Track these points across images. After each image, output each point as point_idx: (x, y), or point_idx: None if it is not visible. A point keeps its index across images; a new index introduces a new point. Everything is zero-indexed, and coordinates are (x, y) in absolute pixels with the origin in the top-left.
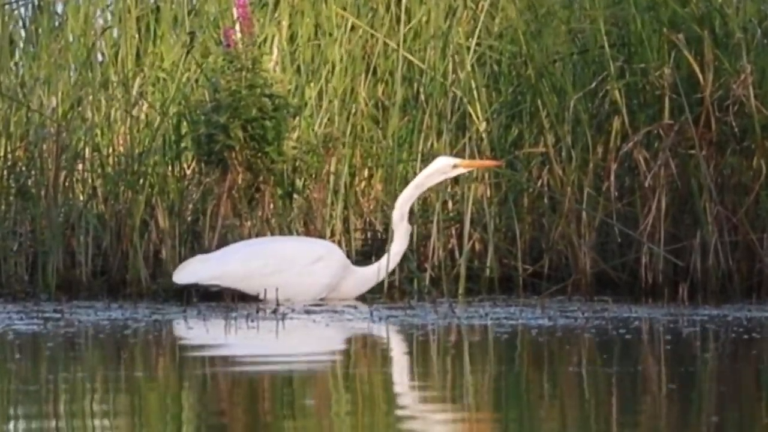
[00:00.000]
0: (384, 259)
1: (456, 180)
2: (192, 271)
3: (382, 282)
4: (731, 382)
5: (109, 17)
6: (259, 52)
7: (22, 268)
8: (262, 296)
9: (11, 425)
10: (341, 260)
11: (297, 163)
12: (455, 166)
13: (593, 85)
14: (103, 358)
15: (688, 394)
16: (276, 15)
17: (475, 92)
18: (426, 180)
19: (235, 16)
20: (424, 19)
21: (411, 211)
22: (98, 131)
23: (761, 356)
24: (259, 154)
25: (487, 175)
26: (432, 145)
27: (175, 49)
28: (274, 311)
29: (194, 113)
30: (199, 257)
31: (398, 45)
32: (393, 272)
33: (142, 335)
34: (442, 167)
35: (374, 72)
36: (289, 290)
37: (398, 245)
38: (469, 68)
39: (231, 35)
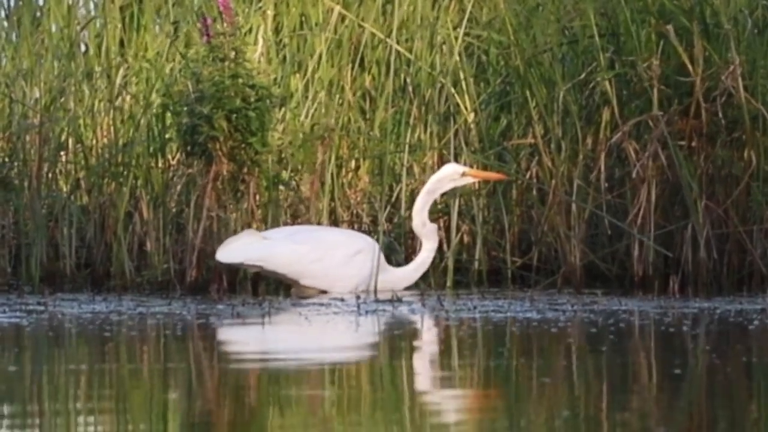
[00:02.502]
0: (418, 260)
1: None
2: (237, 251)
3: None
4: (719, 375)
5: (92, 7)
6: (241, 42)
7: (5, 261)
8: (304, 283)
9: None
10: (378, 256)
11: (283, 155)
12: (464, 174)
13: (582, 76)
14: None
15: (674, 388)
16: (260, 5)
17: (463, 83)
18: (436, 185)
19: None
20: (411, 8)
21: (397, 204)
22: (81, 122)
23: (750, 349)
24: (243, 145)
25: (475, 167)
26: (419, 136)
27: (158, 39)
28: (259, 304)
29: (177, 104)
30: (246, 234)
31: (386, 35)
32: None
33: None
34: (451, 174)
35: (361, 62)
36: (328, 280)
37: (429, 245)
38: (456, 58)
39: (209, 26)
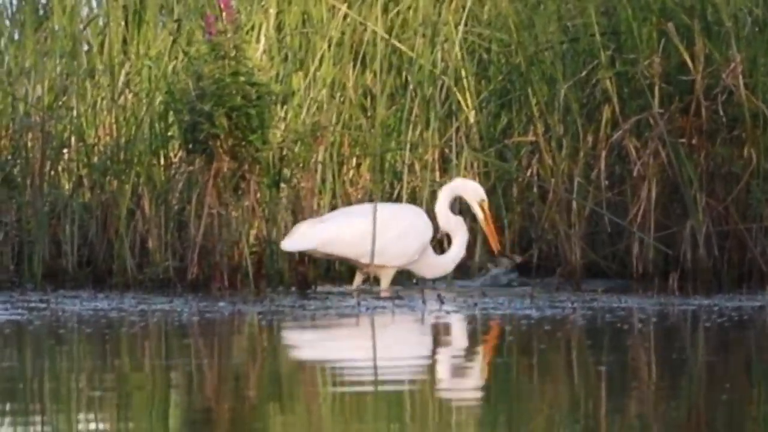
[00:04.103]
0: (452, 253)
1: (444, 169)
2: (299, 240)
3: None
4: (717, 372)
5: (95, 5)
6: (241, 40)
7: (7, 258)
8: (364, 261)
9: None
10: (428, 227)
11: (284, 152)
12: (481, 202)
13: (583, 73)
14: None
15: (672, 384)
16: (263, 3)
17: (464, 81)
18: (459, 187)
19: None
20: (413, 6)
21: (398, 201)
22: (84, 120)
23: (750, 346)
24: (244, 143)
25: (476, 165)
26: (420, 134)
27: (161, 37)
28: (260, 301)
29: (178, 102)
30: (307, 223)
31: (387, 33)
32: None
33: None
34: (474, 190)
35: (363, 60)
36: (384, 257)
37: (459, 239)
38: (458, 56)
39: (212, 23)
